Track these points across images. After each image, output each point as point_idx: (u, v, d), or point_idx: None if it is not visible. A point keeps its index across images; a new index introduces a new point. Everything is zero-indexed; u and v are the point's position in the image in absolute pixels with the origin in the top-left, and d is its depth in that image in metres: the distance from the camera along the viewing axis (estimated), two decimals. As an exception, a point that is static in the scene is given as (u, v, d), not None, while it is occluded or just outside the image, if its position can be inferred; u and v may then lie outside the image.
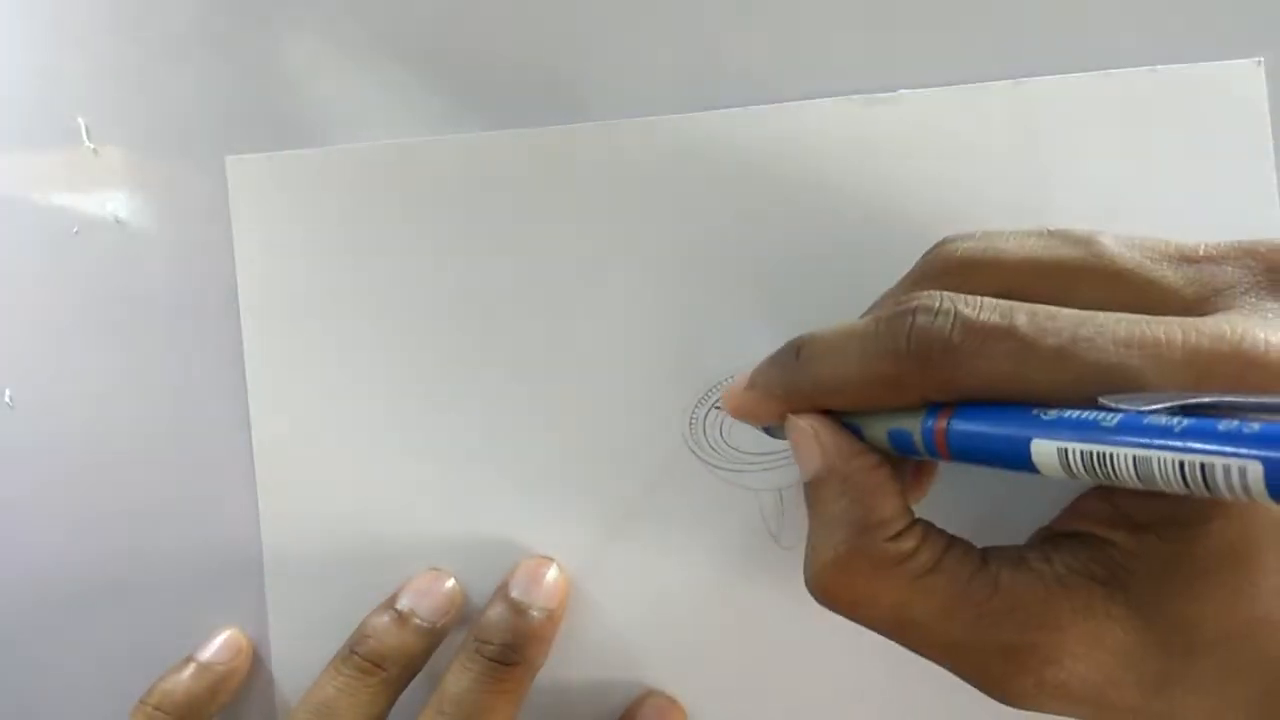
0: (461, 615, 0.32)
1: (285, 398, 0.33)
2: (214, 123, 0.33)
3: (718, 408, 0.32)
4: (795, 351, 0.25)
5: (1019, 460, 0.20)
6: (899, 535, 0.23)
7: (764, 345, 0.31)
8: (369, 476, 0.33)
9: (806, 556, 0.24)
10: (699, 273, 0.32)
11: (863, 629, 0.26)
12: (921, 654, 0.23)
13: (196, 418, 0.34)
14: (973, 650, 0.22)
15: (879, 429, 0.24)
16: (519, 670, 0.30)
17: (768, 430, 0.29)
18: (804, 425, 0.25)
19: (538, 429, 0.32)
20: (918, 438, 0.23)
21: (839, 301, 0.30)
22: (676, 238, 0.32)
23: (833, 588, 0.23)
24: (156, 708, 0.32)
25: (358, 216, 0.33)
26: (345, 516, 0.33)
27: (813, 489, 0.24)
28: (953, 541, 0.23)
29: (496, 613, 0.30)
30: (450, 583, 0.32)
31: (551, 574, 0.32)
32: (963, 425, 0.21)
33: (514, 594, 0.31)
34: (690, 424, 0.32)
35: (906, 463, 0.26)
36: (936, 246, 0.25)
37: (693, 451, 0.32)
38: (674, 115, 0.32)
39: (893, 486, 0.23)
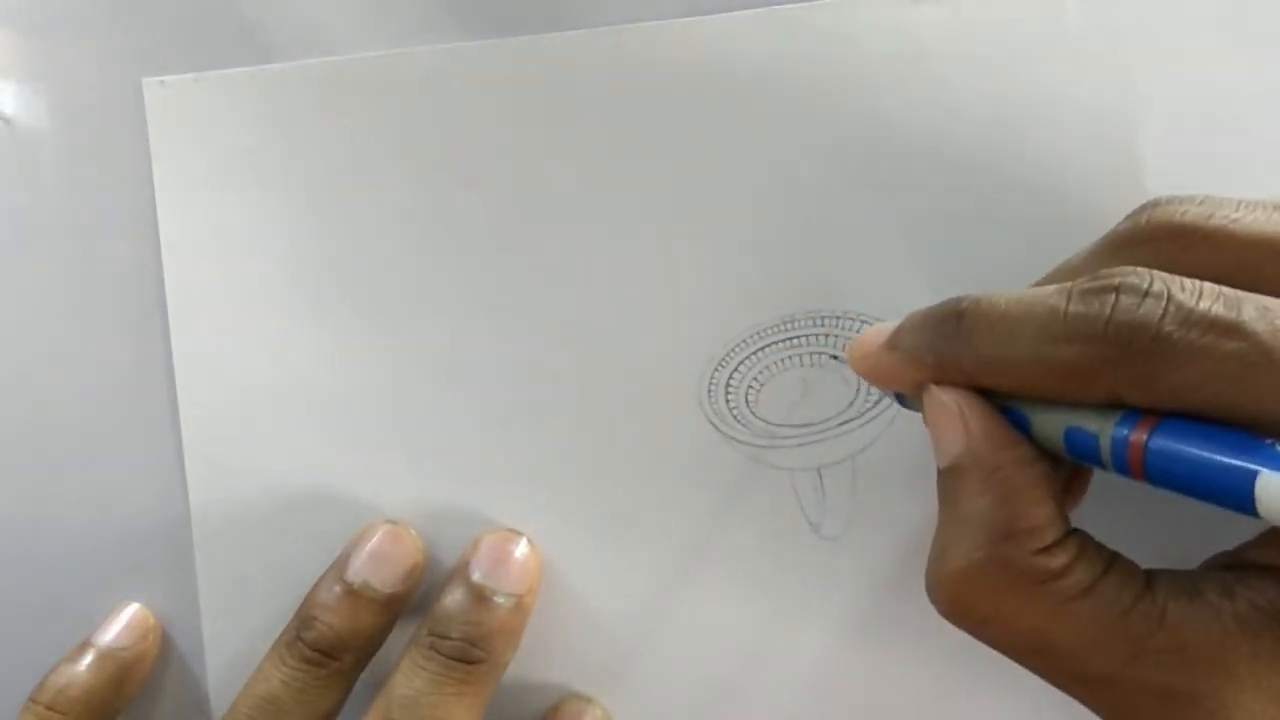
0: (423, 577, 0.29)
1: (215, 341, 0.30)
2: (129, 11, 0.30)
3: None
4: (957, 316, 0.22)
5: (1237, 500, 0.18)
6: (1050, 548, 0.20)
7: (797, 295, 0.28)
8: (314, 429, 0.29)
9: (932, 557, 0.22)
10: (716, 207, 0.28)
11: (911, 643, 0.26)
12: (1057, 685, 0.21)
13: (101, 357, 0.30)
14: (1122, 690, 0.20)
15: (1051, 424, 0.21)
16: (482, 669, 0.27)
17: (899, 398, 0.25)
18: (948, 401, 0.22)
19: (513, 386, 0.29)
20: (1104, 446, 0.20)
21: (884, 240, 0.28)
22: (688, 166, 0.28)
23: (961, 599, 0.21)
24: (50, 707, 0.28)
25: (304, 148, 0.29)
26: (285, 472, 0.30)
27: (950, 479, 0.22)
28: (1114, 561, 0.21)
29: (455, 599, 0.27)
30: (409, 541, 0.29)
31: (520, 550, 0.28)
32: (1169, 443, 0.19)
33: (475, 576, 0.27)
34: (709, 390, 0.28)
35: (1064, 462, 0.24)
36: (1149, 207, 0.22)
37: (710, 422, 0.28)
38: (684, 19, 0.28)
39: (1048, 489, 0.21)
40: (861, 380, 0.27)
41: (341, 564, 0.28)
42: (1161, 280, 0.19)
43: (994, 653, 0.27)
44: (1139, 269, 0.20)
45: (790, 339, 0.28)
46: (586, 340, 0.28)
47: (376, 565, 0.28)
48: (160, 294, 0.30)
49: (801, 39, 0.28)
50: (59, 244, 0.30)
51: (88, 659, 0.29)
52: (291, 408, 0.29)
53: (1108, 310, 0.19)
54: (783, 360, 0.28)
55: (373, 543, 0.28)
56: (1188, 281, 0.19)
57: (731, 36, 0.28)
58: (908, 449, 0.27)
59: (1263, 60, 0.27)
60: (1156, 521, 0.26)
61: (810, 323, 0.28)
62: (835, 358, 0.28)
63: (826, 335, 0.28)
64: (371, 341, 0.29)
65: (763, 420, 0.28)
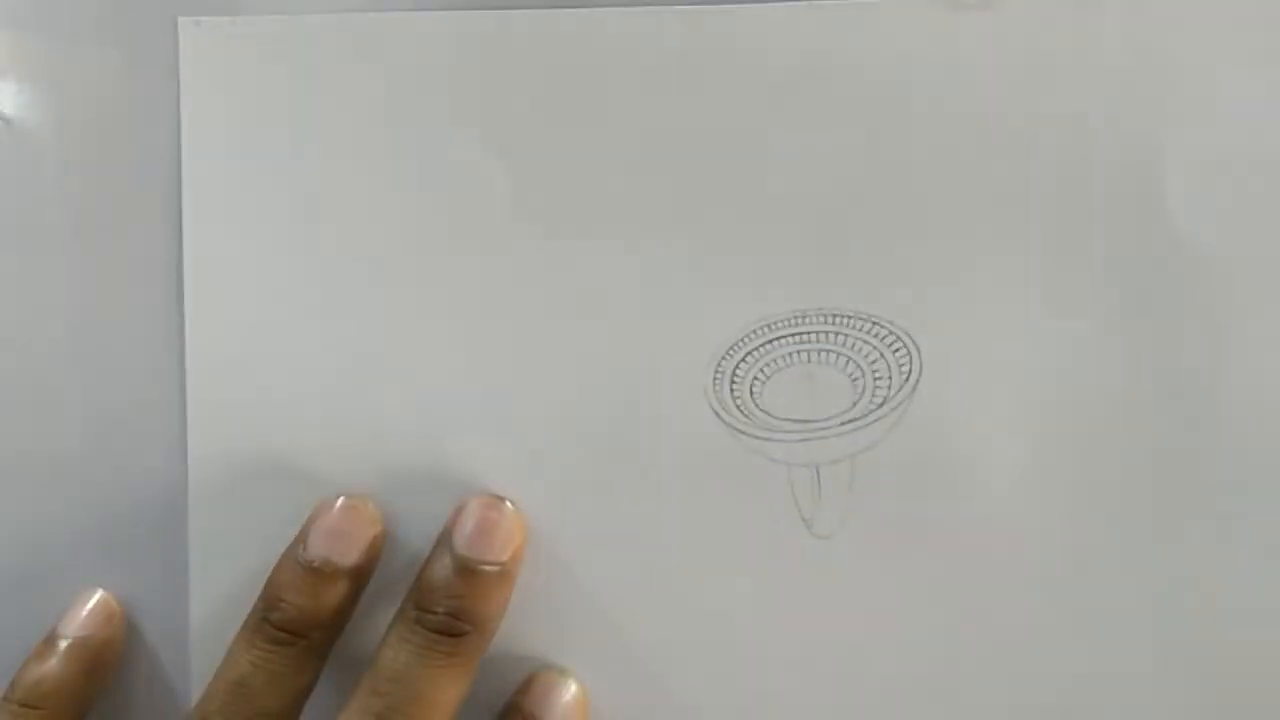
0: (385, 545, 0.29)
1: (229, 319, 0.29)
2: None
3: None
4: None
5: None
6: None
7: (811, 291, 0.28)
8: (318, 409, 0.29)
9: None
10: (733, 196, 0.28)
11: (894, 644, 0.27)
12: None
13: (103, 356, 0.30)
14: None
15: None
16: (469, 639, 0.26)
17: None
18: None
19: (524, 364, 0.28)
20: None
21: (903, 243, 0.28)
22: (705, 152, 0.28)
23: None
24: (23, 704, 0.28)
25: (334, 102, 0.29)
26: (286, 465, 0.29)
27: None
28: None
29: (438, 571, 0.27)
30: (366, 513, 0.28)
31: (505, 516, 0.28)
32: None
33: (459, 547, 0.27)
34: (715, 377, 0.28)
35: None
36: None
37: (715, 412, 0.28)
38: (714, 6, 0.28)
39: None
40: (867, 382, 0.27)
41: (300, 541, 0.28)
42: None
43: (977, 653, 0.27)
44: None
45: (800, 334, 0.28)
46: (596, 318, 0.28)
47: (333, 540, 0.28)
48: (165, 289, 0.29)
49: (838, 35, 0.28)
50: (58, 242, 0.30)
51: (57, 650, 0.28)
52: (298, 391, 0.29)
53: None
54: (790, 355, 0.28)
55: (329, 518, 0.28)
56: None
57: (770, 27, 0.28)
58: (909, 453, 0.27)
59: (1262, 63, 0.27)
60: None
61: (822, 319, 0.28)
62: None
63: (837, 334, 0.28)
64: (382, 320, 0.29)
65: (765, 412, 0.28)
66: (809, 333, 0.28)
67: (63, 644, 0.28)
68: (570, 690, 0.28)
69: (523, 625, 0.28)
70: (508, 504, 0.28)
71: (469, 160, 0.28)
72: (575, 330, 0.28)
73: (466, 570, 0.27)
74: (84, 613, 0.29)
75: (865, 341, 0.28)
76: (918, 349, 0.27)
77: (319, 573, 0.27)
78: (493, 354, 0.28)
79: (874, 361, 0.27)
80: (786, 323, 0.28)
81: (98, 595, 0.29)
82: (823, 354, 0.28)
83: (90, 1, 0.29)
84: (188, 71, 0.29)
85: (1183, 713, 0.27)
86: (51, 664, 0.28)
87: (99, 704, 0.29)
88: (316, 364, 0.29)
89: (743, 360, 0.28)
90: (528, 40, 0.28)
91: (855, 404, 0.28)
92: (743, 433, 0.28)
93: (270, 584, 0.27)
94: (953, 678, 0.28)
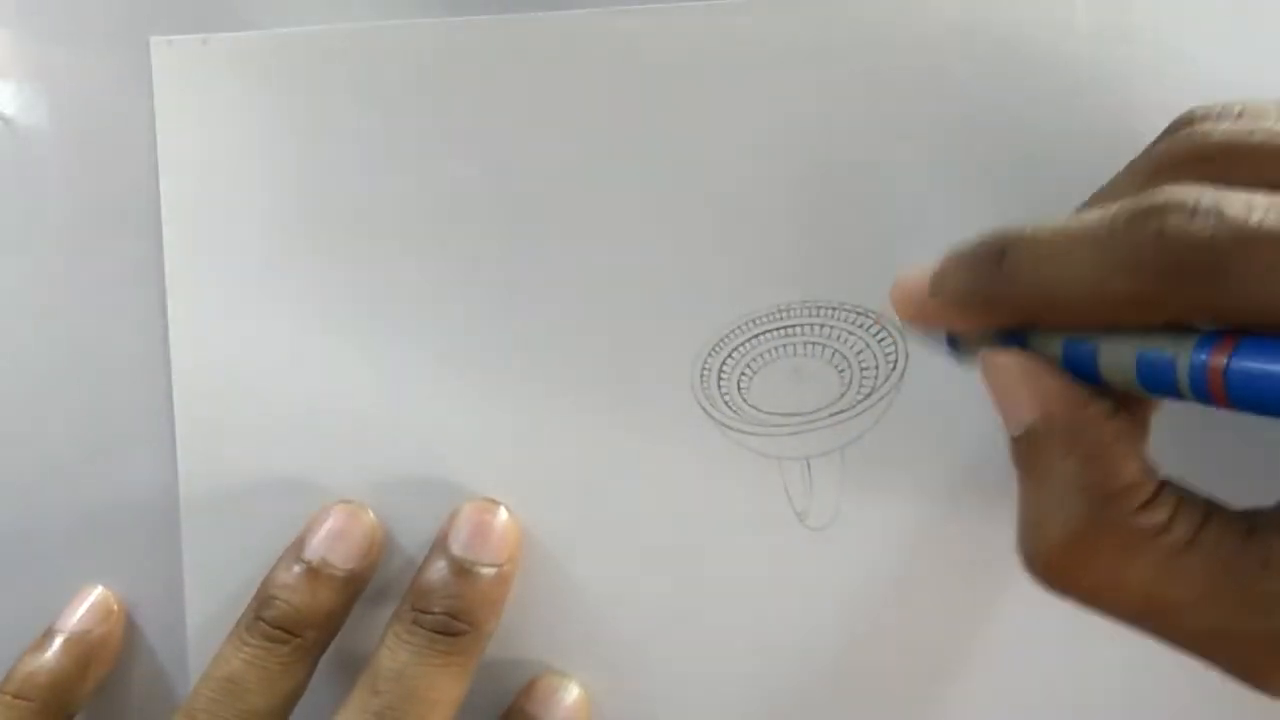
0: (383, 555, 0.29)
1: (211, 325, 0.29)
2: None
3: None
4: (998, 256, 0.21)
5: None
6: (1149, 504, 0.19)
7: (794, 280, 0.28)
8: (308, 414, 0.29)
9: (1023, 531, 0.21)
10: (717, 193, 0.28)
11: (892, 635, 0.27)
12: (1169, 643, 0.20)
13: (98, 355, 0.30)
14: (1236, 640, 0.19)
15: (1122, 354, 0.20)
16: (466, 640, 0.27)
17: (949, 342, 0.25)
18: (1012, 364, 0.21)
19: (511, 369, 0.29)
20: (1182, 373, 0.18)
21: (883, 233, 0.28)
22: (685, 149, 0.28)
23: (1069, 571, 0.20)
24: (16, 695, 0.28)
25: (308, 116, 0.29)
26: (276, 465, 0.29)
27: (1027, 445, 0.21)
28: (1211, 508, 0.19)
29: (436, 572, 0.27)
30: (365, 519, 0.29)
31: (500, 520, 0.28)
32: (1253, 364, 0.17)
33: (455, 549, 0.27)
34: (702, 374, 0.28)
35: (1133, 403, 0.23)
36: (1182, 125, 0.21)
37: (702, 407, 0.28)
38: (690, 2, 0.28)
39: (1134, 443, 0.20)
40: (853, 372, 0.27)
41: (299, 544, 0.28)
42: (1210, 196, 0.18)
43: (973, 641, 0.27)
44: (1187, 185, 0.18)
45: (785, 328, 0.28)
46: (582, 319, 0.28)
47: (333, 543, 0.28)
48: (160, 289, 0.29)
49: (810, 27, 0.27)
50: (58, 241, 0.30)
51: (53, 645, 0.29)
52: (286, 396, 0.29)
53: (1154, 233, 0.18)
54: (776, 349, 0.28)
55: (329, 522, 0.28)
56: (1238, 195, 0.18)
57: (739, 21, 0.27)
58: (898, 442, 0.27)
59: (1272, 62, 0.26)
60: (1227, 451, 0.25)
61: (806, 312, 0.27)
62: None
63: (821, 325, 0.27)
64: (369, 325, 0.29)
65: (754, 407, 0.28)
66: (794, 326, 0.28)
67: (59, 638, 0.29)
68: (572, 694, 0.28)
69: (520, 627, 0.28)
70: (502, 508, 0.28)
71: (448, 167, 0.28)
72: (562, 333, 0.28)
73: (463, 571, 0.27)
74: (82, 608, 0.29)
75: (851, 333, 0.27)
76: (904, 338, 0.27)
77: (316, 573, 0.27)
78: (480, 359, 0.28)
79: (860, 352, 0.27)
80: (770, 317, 0.28)
81: (97, 591, 0.30)
82: (808, 346, 0.28)
83: (86, 7, 0.30)
84: (161, 92, 0.29)
85: (1179, 698, 0.27)
86: (46, 657, 0.28)
87: (96, 704, 0.29)
88: (301, 372, 0.29)
89: (729, 356, 0.28)
90: (503, 46, 0.28)
91: (843, 395, 0.27)
92: (732, 429, 0.28)
93: (266, 583, 0.28)
94: (949, 666, 0.28)
